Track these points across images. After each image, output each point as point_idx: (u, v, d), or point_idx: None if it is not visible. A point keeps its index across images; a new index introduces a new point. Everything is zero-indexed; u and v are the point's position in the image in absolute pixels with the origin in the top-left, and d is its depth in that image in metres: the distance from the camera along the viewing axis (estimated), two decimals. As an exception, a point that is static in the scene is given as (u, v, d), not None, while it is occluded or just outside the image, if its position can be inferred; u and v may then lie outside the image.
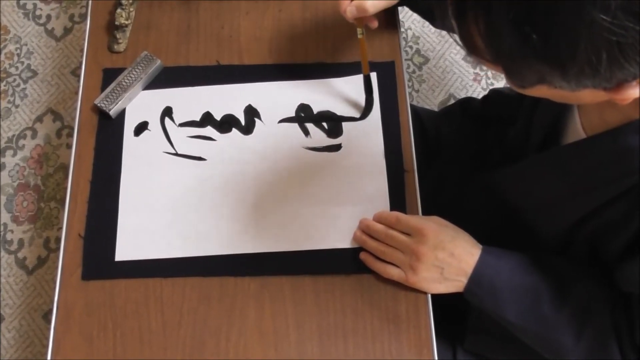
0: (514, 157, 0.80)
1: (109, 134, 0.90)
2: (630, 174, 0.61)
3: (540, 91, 0.54)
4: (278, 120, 0.91)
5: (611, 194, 0.64)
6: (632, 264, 0.65)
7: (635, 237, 0.64)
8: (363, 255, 0.81)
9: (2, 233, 1.59)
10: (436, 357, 0.78)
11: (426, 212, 0.84)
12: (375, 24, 0.86)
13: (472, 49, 0.52)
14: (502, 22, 0.46)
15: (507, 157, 0.83)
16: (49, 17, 1.82)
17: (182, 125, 0.91)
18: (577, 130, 0.71)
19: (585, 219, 0.69)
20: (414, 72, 1.72)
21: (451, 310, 0.85)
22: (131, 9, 0.96)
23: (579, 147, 0.69)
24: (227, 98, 0.92)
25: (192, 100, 0.92)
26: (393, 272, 0.79)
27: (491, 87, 1.62)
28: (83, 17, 1.82)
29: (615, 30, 0.43)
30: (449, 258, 0.75)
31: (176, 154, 0.89)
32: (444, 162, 1.02)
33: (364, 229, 0.82)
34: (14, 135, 1.69)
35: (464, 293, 0.77)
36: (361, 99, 0.91)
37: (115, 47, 0.95)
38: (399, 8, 0.93)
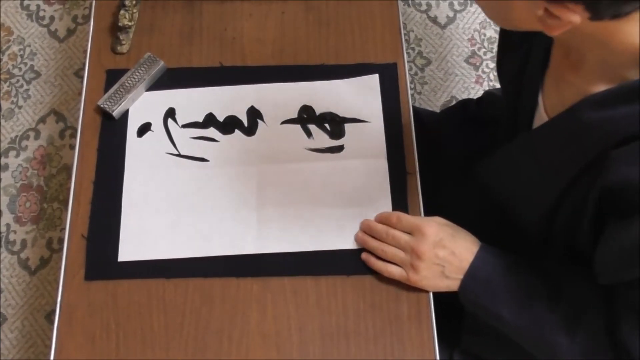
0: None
1: (112, 135, 0.91)
2: (586, 150, 0.62)
3: None
4: (281, 121, 0.91)
5: (574, 171, 0.65)
6: (599, 251, 0.66)
7: (597, 217, 0.65)
8: (364, 256, 0.81)
9: (5, 234, 1.60)
10: (438, 358, 0.78)
11: (427, 213, 0.85)
12: None
13: None
14: None
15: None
16: (52, 18, 1.82)
17: (185, 126, 0.91)
18: (541, 115, 0.72)
19: (557, 203, 0.69)
20: (416, 74, 1.72)
21: (448, 309, 0.85)
22: (134, 11, 0.96)
23: (542, 130, 0.70)
24: (230, 99, 0.93)
25: (195, 102, 0.93)
26: (394, 271, 0.79)
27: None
28: (86, 18, 1.82)
29: None
30: (450, 256, 0.76)
31: (179, 155, 0.89)
32: (445, 163, 1.02)
33: (366, 230, 0.82)
34: (17, 136, 1.69)
35: (459, 290, 0.77)
36: (363, 101, 0.91)
37: (119, 48, 0.95)
38: (401, 11, 0.93)
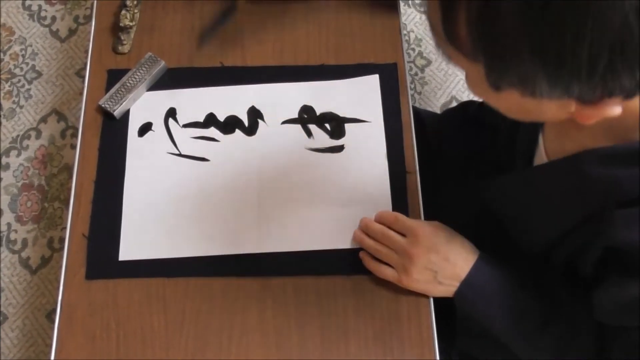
0: (502, 163, 0.81)
1: (113, 134, 0.91)
2: (589, 201, 0.61)
3: (508, 99, 0.52)
4: (281, 121, 0.91)
5: (577, 219, 0.64)
6: (598, 295, 0.66)
7: (597, 266, 0.65)
8: (362, 254, 0.81)
9: (6, 233, 1.60)
10: (437, 358, 0.78)
11: (427, 212, 0.85)
12: None
13: (452, 38, 0.48)
14: (503, 9, 0.43)
15: (497, 162, 0.84)
16: (53, 18, 1.82)
17: (185, 126, 0.91)
18: (541, 153, 0.72)
19: (560, 240, 0.69)
20: (416, 74, 1.72)
21: (447, 309, 0.85)
22: (135, 11, 0.97)
23: (542, 171, 0.70)
24: (231, 99, 0.93)
25: (195, 102, 0.93)
26: (387, 273, 0.79)
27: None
28: (88, 18, 1.83)
29: (624, 31, 0.42)
30: (443, 262, 0.75)
31: (180, 155, 0.90)
32: (444, 163, 1.02)
33: (363, 228, 0.82)
34: (18, 136, 1.69)
35: (454, 296, 0.76)
36: (363, 101, 0.91)
37: (120, 48, 0.96)
38: (402, 11, 0.93)
